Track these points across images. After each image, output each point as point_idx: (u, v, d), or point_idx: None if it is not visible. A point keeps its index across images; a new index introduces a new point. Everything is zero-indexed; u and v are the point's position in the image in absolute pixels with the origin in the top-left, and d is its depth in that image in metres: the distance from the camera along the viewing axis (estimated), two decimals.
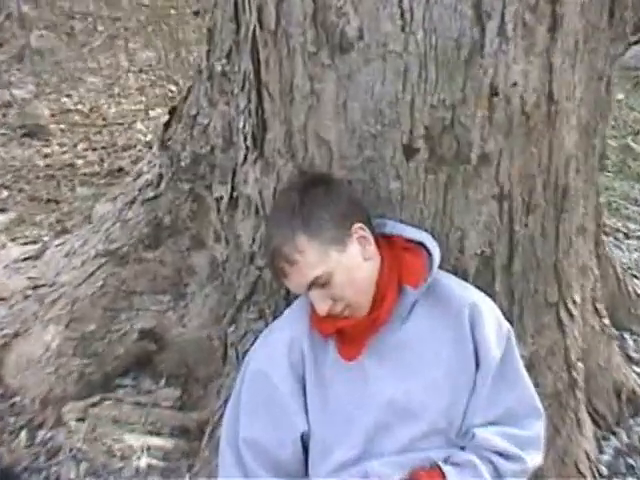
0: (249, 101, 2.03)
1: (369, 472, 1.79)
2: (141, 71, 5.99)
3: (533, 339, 2.19)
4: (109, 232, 2.46)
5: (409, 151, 1.88)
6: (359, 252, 1.79)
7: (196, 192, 2.30)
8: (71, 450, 2.22)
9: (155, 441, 2.27)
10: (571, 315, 2.25)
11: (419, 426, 1.79)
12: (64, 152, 4.31)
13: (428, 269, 1.83)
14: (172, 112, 2.39)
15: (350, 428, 1.80)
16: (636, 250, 3.51)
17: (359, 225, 1.79)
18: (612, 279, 2.76)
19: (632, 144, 4.53)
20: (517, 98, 1.87)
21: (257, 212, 2.10)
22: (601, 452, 2.42)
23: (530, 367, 2.04)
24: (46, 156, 4.25)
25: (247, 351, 2.01)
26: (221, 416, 2.02)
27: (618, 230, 3.57)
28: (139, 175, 2.47)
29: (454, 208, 1.96)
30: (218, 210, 2.25)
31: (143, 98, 5.35)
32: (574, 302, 2.25)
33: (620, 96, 5.41)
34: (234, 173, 2.17)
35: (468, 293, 1.88)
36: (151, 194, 2.37)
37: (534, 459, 1.86)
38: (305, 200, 1.78)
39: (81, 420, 2.33)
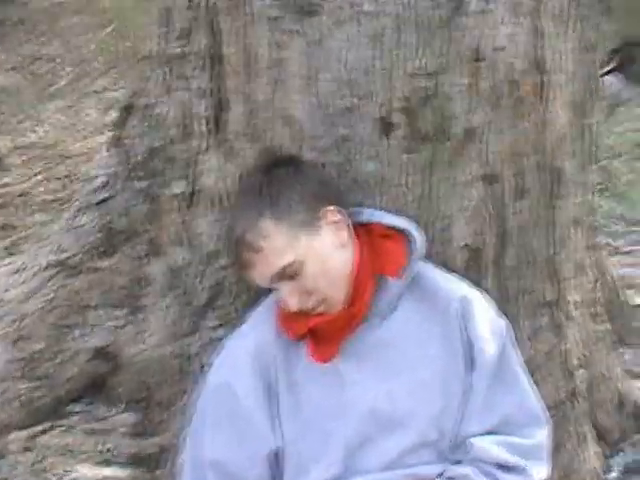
0: (210, 79, 1.85)
1: None
2: (108, 109, 5.83)
3: (530, 342, 2.00)
4: (60, 242, 2.25)
5: (387, 126, 1.71)
6: (332, 238, 1.59)
7: (152, 191, 2.11)
8: None
9: (110, 471, 2.02)
10: (570, 316, 2.06)
11: (407, 437, 1.58)
12: (22, 182, 4.13)
13: (410, 258, 1.63)
14: (127, 109, 2.19)
15: (327, 442, 1.58)
16: (623, 266, 3.36)
17: (332, 208, 1.60)
18: (610, 285, 2.57)
19: (615, 163, 4.47)
20: (504, 64, 1.72)
21: (220, 204, 1.91)
22: (608, 470, 2.20)
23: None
24: (3, 185, 4.06)
25: (210, 362, 1.78)
26: (184, 439, 1.78)
27: (609, 245, 3.43)
28: (90, 179, 2.26)
29: (439, 192, 1.78)
30: (177, 209, 2.05)
31: (109, 134, 5.17)
32: (572, 302, 2.07)
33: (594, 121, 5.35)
34: (194, 164, 1.97)
35: (457, 285, 1.70)
36: (104, 196, 2.16)
37: (539, 471, 1.65)
38: (272, 180, 1.60)
39: (28, 450, 2.08)
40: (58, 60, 6.91)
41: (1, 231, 3.52)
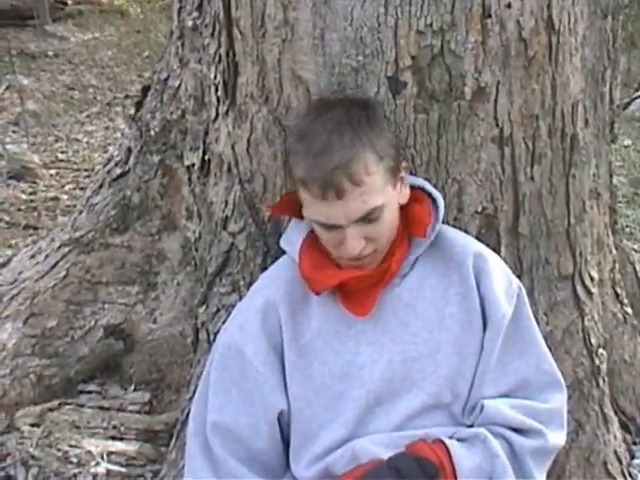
0: (219, 45, 1.85)
1: (357, 452, 1.51)
2: None
3: (547, 318, 1.94)
4: (75, 221, 2.26)
5: (395, 85, 1.68)
6: (400, 192, 1.55)
7: (166, 164, 2.12)
8: (21, 456, 1.94)
9: (117, 446, 2.00)
10: (589, 292, 2.01)
11: (419, 399, 1.53)
12: (50, 191, 4.18)
13: (434, 218, 1.59)
14: (145, 90, 2.21)
15: (338, 405, 1.54)
16: None
17: (404, 164, 1.58)
18: (632, 277, 2.51)
19: None
20: (513, 22, 1.69)
21: (229, 171, 1.90)
22: (633, 457, 2.11)
23: None
24: (31, 193, 4.12)
25: (219, 331, 1.75)
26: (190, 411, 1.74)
27: (635, 251, 3.37)
28: (109, 160, 2.28)
29: (449, 154, 1.75)
30: (189, 181, 2.05)
31: None
32: (591, 278, 2.02)
33: (628, 142, 5.46)
34: (205, 134, 1.98)
35: (473, 243, 1.65)
36: (118, 172, 2.17)
37: (556, 437, 1.57)
38: (369, 118, 1.51)
39: (36, 426, 2.06)
40: (91, 90, 7.08)
41: (23, 231, 3.53)
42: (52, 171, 4.61)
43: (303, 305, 1.57)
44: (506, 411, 1.54)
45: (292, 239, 1.63)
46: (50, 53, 8.47)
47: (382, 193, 1.47)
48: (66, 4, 10.52)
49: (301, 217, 1.59)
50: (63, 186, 4.31)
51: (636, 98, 6.34)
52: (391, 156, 1.49)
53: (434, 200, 1.62)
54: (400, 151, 1.60)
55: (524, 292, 1.64)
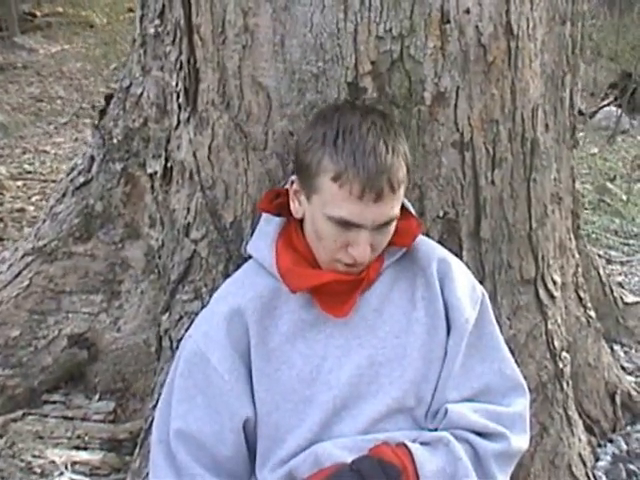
0: (180, 52, 1.85)
1: (320, 455, 1.51)
2: None
3: (510, 322, 1.95)
4: (38, 230, 2.24)
5: (355, 91, 1.70)
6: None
7: (129, 172, 2.11)
8: None
9: (81, 456, 1.98)
10: (552, 296, 2.03)
11: (384, 403, 1.53)
12: (17, 202, 4.14)
13: (418, 230, 1.61)
14: (108, 98, 2.21)
15: (305, 410, 1.53)
16: (620, 274, 3.35)
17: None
18: (596, 282, 2.54)
19: (609, 185, 4.56)
20: (471, 27, 1.71)
21: (191, 178, 1.90)
22: (597, 460, 2.12)
23: None
24: None
25: (182, 338, 1.74)
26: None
27: (600, 256, 3.41)
28: (72, 169, 2.27)
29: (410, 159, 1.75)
30: (152, 189, 2.04)
31: None
32: (554, 282, 2.04)
33: (595, 150, 5.53)
34: (167, 141, 1.98)
35: (437, 248, 1.66)
36: (81, 180, 2.16)
37: (519, 440, 1.58)
38: (398, 131, 1.52)
39: None
40: (59, 101, 7.04)
41: None
42: (19, 182, 4.57)
43: (270, 310, 1.56)
44: (469, 415, 1.54)
45: (259, 245, 1.62)
46: (18, 65, 8.42)
47: (399, 204, 1.50)
48: (35, 16, 10.48)
49: (284, 215, 1.60)
50: (30, 197, 4.28)
51: (602, 107, 6.43)
52: (409, 172, 1.52)
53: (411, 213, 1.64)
54: None
55: (487, 298, 1.65)
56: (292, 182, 1.55)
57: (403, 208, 1.62)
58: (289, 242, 1.59)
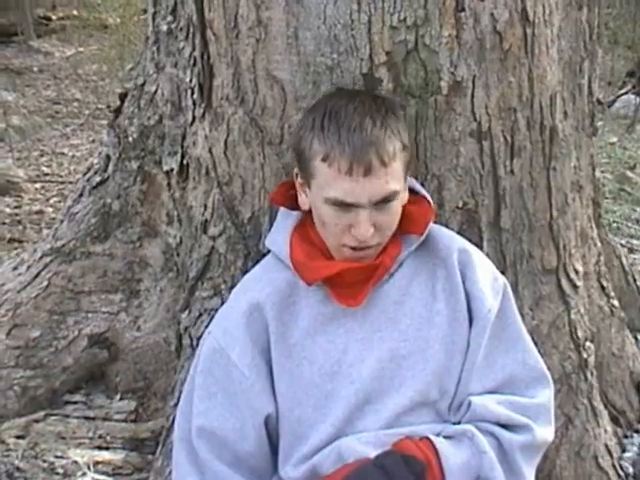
0: (194, 48, 1.85)
1: (343, 451, 1.50)
2: None
3: (532, 312, 1.94)
4: (56, 230, 2.24)
5: (371, 82, 1.68)
6: (406, 190, 1.56)
7: (145, 170, 2.11)
8: (6, 468, 1.92)
9: (103, 456, 1.98)
10: (574, 286, 2.01)
11: (407, 397, 1.52)
12: (35, 204, 4.17)
13: (430, 216, 1.60)
14: (123, 96, 2.20)
15: (327, 404, 1.53)
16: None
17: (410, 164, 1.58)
18: (618, 271, 2.50)
19: (629, 174, 4.53)
20: (487, 15, 1.69)
21: (207, 174, 1.89)
22: (624, 450, 2.09)
23: None
24: (16, 207, 4.10)
25: (202, 335, 1.74)
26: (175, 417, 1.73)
27: (622, 245, 3.37)
28: (89, 169, 2.27)
29: (428, 150, 1.75)
30: (169, 186, 2.04)
31: None
32: (576, 271, 2.01)
33: (614, 139, 5.51)
34: (183, 138, 1.97)
35: (457, 239, 1.65)
36: (98, 179, 2.16)
37: (544, 432, 1.57)
38: (394, 111, 1.54)
39: (21, 437, 2.04)
40: (75, 104, 7.08)
41: (7, 244, 3.52)
42: (37, 185, 4.60)
43: (290, 305, 1.56)
44: (493, 407, 1.53)
45: (277, 239, 1.61)
46: (35, 69, 8.48)
47: (400, 181, 1.49)
48: (50, 20, 10.54)
49: (295, 207, 1.59)
50: (48, 199, 4.31)
51: (621, 95, 6.37)
52: (409, 150, 1.52)
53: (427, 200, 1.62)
54: (412, 150, 1.61)
55: (509, 288, 1.64)
56: (296, 175, 1.56)
57: (417, 194, 1.60)
58: (305, 235, 1.59)
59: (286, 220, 1.63)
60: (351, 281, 1.53)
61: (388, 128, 1.47)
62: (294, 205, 1.61)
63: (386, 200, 1.46)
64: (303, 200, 1.56)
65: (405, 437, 1.49)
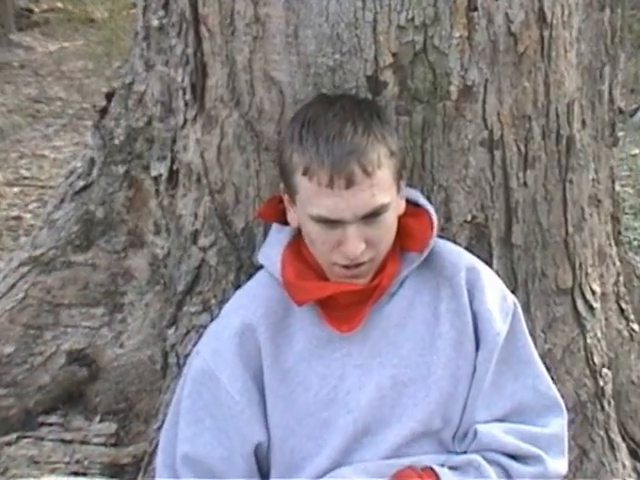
0: (186, 46, 1.87)
1: None
2: None
3: (545, 335, 1.95)
4: (35, 238, 2.26)
5: (375, 85, 1.70)
6: (399, 203, 1.56)
7: (132, 175, 2.12)
8: None
9: None
10: (591, 307, 2.02)
11: (409, 427, 1.53)
12: (13, 209, 4.18)
13: (430, 232, 1.60)
14: (109, 96, 2.22)
15: (323, 435, 1.54)
16: None
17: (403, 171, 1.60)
18: (639, 293, 2.51)
19: None
20: (501, 15, 1.71)
21: (199, 181, 1.91)
22: None
23: None
24: None
25: (190, 354, 1.75)
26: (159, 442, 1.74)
27: None
28: (71, 173, 2.28)
29: (435, 159, 1.77)
30: (157, 193, 2.05)
31: None
32: (593, 292, 2.03)
33: (636, 151, 5.55)
34: (173, 142, 1.99)
35: (464, 256, 1.66)
36: (81, 184, 2.18)
37: (557, 464, 1.58)
38: (380, 115, 1.55)
39: None
40: (58, 103, 7.11)
41: None
42: (15, 189, 4.63)
43: (284, 327, 1.57)
44: (500, 436, 1.54)
45: (270, 253, 1.62)
46: (15, 64, 8.52)
47: (389, 192, 1.47)
48: (32, 12, 10.59)
49: (286, 223, 1.60)
50: (27, 205, 4.33)
51: None
52: (398, 156, 1.52)
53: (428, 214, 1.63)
54: (404, 156, 1.62)
55: (520, 309, 1.65)
56: (283, 190, 1.56)
57: (419, 207, 1.61)
58: (297, 252, 1.59)
59: (278, 234, 1.64)
60: (345, 304, 1.54)
61: (371, 134, 1.46)
62: (284, 220, 1.62)
63: (375, 214, 1.46)
64: (291, 217, 1.57)
65: (407, 467, 1.50)
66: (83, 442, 2.12)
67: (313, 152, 1.43)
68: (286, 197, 1.56)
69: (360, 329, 1.55)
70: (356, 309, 1.54)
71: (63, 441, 2.12)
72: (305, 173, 1.45)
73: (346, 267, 1.50)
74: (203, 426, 1.57)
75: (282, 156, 1.52)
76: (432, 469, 1.50)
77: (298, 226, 1.55)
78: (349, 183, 1.42)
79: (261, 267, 1.67)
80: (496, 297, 1.61)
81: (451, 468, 1.52)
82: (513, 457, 1.55)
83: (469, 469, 1.52)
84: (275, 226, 1.66)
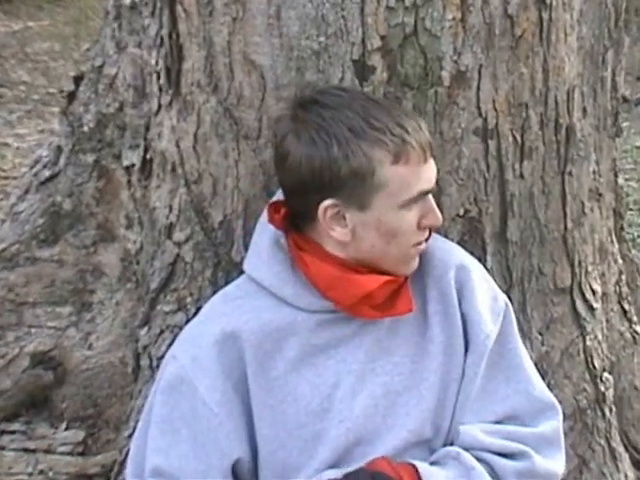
0: (161, 26, 1.88)
1: None
2: None
3: (542, 337, 1.97)
4: None
5: (362, 70, 1.73)
6: None
7: (102, 165, 2.12)
8: None
9: None
10: (591, 308, 2.06)
11: (400, 437, 1.57)
12: None
13: None
14: (78, 79, 2.23)
15: (316, 446, 1.56)
16: None
17: None
18: None
19: None
20: None
21: (174, 171, 1.92)
22: None
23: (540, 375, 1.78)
24: None
25: (164, 356, 1.76)
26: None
27: None
28: (36, 162, 2.29)
29: None
30: (129, 184, 2.06)
31: None
32: (593, 291, 2.06)
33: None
34: (147, 129, 2.00)
35: (455, 253, 1.69)
36: (47, 174, 2.18)
37: (548, 462, 1.60)
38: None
39: None
40: (22, 87, 7.08)
41: None
42: None
43: (272, 333, 1.57)
44: (482, 436, 1.58)
45: (257, 262, 1.63)
46: None
47: None
48: None
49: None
50: None
51: None
52: None
53: None
54: None
55: (511, 309, 1.68)
56: (325, 209, 1.51)
57: None
58: (316, 254, 1.57)
59: (262, 237, 1.63)
60: (380, 296, 1.55)
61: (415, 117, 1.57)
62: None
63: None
64: (343, 232, 1.53)
65: (381, 457, 1.53)
66: (48, 451, 2.12)
67: (398, 136, 1.48)
68: (337, 212, 1.52)
69: (356, 334, 1.57)
70: (395, 294, 1.57)
71: (26, 450, 2.12)
72: (397, 161, 1.48)
73: (424, 242, 1.58)
74: (179, 437, 1.57)
75: (347, 166, 1.47)
76: (410, 463, 1.53)
77: (349, 240, 1.53)
78: (431, 150, 1.54)
79: (241, 263, 1.68)
80: (487, 297, 1.64)
81: (432, 463, 1.55)
82: (499, 454, 1.57)
83: (447, 460, 1.55)
84: (261, 230, 1.65)
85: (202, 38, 1.79)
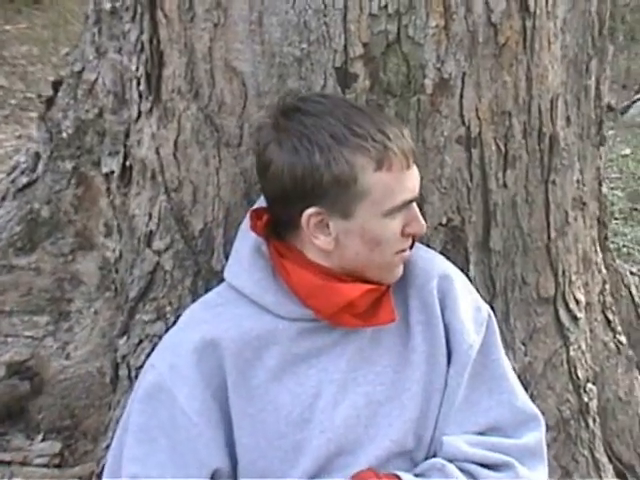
0: (141, 32, 1.89)
1: None
2: None
3: (525, 347, 1.99)
4: None
5: (345, 77, 1.74)
6: None
7: (81, 172, 2.14)
8: None
9: None
10: (575, 318, 2.07)
11: (382, 448, 1.57)
12: None
13: None
14: (56, 84, 2.23)
15: (297, 457, 1.56)
16: None
17: None
18: (627, 302, 2.56)
19: None
20: (480, 3, 1.75)
21: (154, 178, 1.93)
22: None
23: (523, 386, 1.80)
24: None
25: (142, 366, 1.76)
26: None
27: (632, 274, 3.44)
28: (14, 168, 2.29)
29: None
30: (108, 191, 2.07)
31: None
32: (577, 301, 2.07)
33: (627, 151, 5.62)
34: (126, 136, 2.01)
35: (436, 262, 1.70)
36: (24, 181, 2.19)
37: (531, 473, 1.61)
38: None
39: None
40: (0, 92, 7.06)
41: None
42: None
43: (252, 341, 1.58)
44: (465, 448, 1.59)
45: (238, 270, 1.63)
46: None
47: None
48: None
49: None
50: None
51: (636, 101, 6.46)
52: None
53: None
54: None
55: (494, 320, 1.69)
56: (309, 217, 1.52)
57: None
58: (297, 261, 1.58)
59: (243, 244, 1.64)
60: (362, 304, 1.56)
61: (397, 124, 1.58)
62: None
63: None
64: (327, 240, 1.53)
65: (367, 469, 1.54)
66: (24, 463, 2.12)
67: (381, 142, 1.49)
68: (315, 221, 1.52)
69: (338, 343, 1.58)
70: (377, 303, 1.58)
71: (1, 462, 2.12)
72: (380, 167, 1.49)
73: (408, 249, 1.59)
74: (157, 446, 1.57)
75: (329, 172, 1.48)
76: (396, 474, 1.54)
77: (332, 248, 1.54)
78: (414, 157, 1.54)
79: (221, 272, 1.69)
80: (469, 307, 1.66)
81: (416, 475, 1.56)
82: (481, 464, 1.58)
83: (432, 472, 1.56)
84: (243, 238, 1.65)
85: (183, 44, 1.80)
